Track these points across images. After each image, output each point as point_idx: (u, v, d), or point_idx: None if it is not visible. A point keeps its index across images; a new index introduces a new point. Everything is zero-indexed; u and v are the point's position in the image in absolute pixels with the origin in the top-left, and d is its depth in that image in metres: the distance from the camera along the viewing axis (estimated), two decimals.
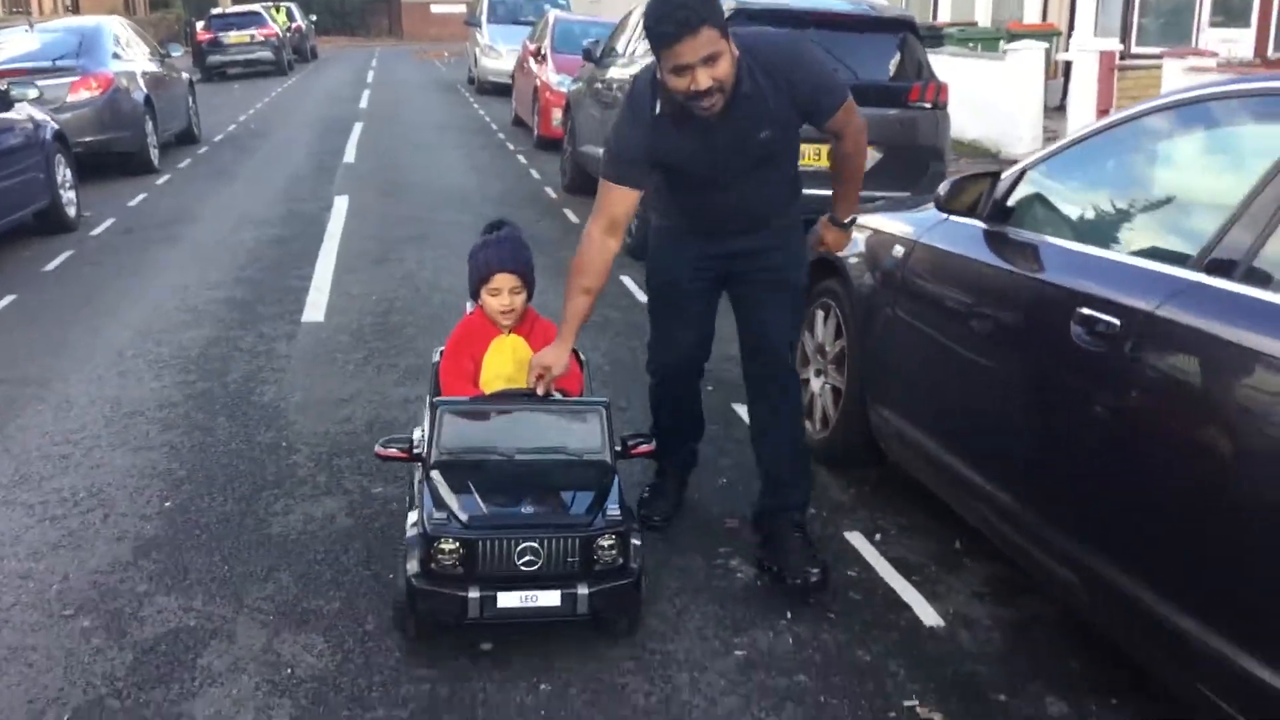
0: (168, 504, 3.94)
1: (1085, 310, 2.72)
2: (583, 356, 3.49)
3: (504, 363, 3.32)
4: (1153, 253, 2.81)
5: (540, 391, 3.16)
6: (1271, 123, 2.77)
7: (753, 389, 3.54)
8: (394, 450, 3.11)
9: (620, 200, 3.20)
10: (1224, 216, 2.57)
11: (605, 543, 2.85)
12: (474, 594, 2.79)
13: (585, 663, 2.98)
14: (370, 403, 4.95)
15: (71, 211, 8.93)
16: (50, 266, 7.65)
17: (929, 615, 3.27)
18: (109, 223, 9.11)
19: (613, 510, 2.90)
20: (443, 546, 2.79)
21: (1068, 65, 13.66)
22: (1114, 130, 3.18)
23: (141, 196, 10.30)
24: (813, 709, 2.84)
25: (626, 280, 6.94)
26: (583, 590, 2.82)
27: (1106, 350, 2.64)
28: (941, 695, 2.90)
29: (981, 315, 3.26)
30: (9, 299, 6.78)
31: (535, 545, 2.80)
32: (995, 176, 3.40)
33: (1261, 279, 2.41)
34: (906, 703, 2.87)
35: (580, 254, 3.23)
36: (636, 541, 2.94)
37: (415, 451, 3.11)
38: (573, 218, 9.04)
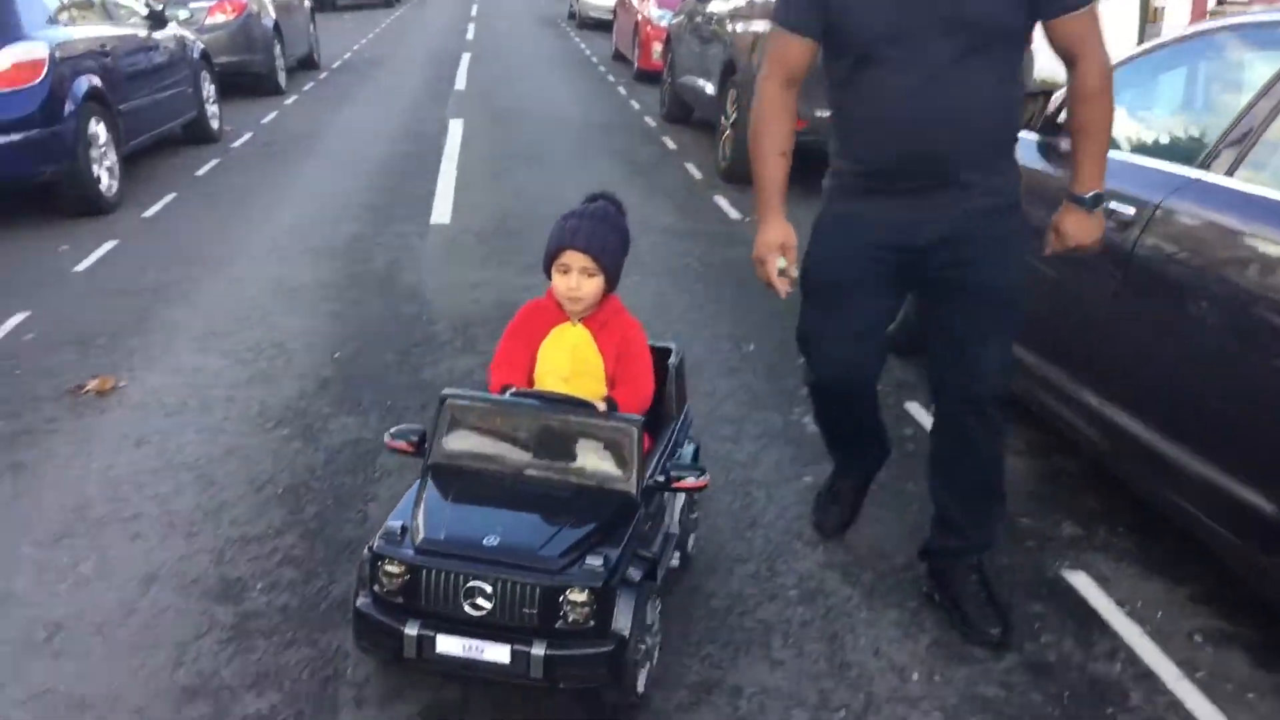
0: (337, 355, 4.75)
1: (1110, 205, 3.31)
2: (676, 355, 3.06)
3: (560, 358, 2.77)
4: (1163, 153, 3.39)
5: (781, 290, 2.68)
6: (1258, 49, 3.35)
7: (944, 416, 2.88)
8: (402, 444, 2.66)
9: (793, 51, 2.65)
10: (1222, 128, 3.16)
11: (575, 597, 2.29)
12: (411, 630, 2.32)
13: None
14: (495, 287, 5.70)
15: (215, 125, 9.82)
16: (201, 171, 8.53)
17: None
18: (247, 136, 10.00)
19: (593, 560, 2.32)
20: (388, 569, 2.36)
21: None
22: (1144, 58, 3.75)
23: (273, 115, 11.18)
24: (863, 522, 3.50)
25: (721, 202, 7.58)
26: (538, 650, 2.29)
27: (1121, 235, 3.23)
28: None
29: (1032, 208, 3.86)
30: (170, 196, 7.67)
31: (485, 586, 2.31)
32: (1048, 95, 3.97)
33: (1245, 177, 2.99)
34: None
35: (760, 115, 2.70)
36: (627, 601, 2.36)
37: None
38: (670, 144, 9.67)
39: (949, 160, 2.56)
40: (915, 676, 2.75)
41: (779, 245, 2.68)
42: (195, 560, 3.18)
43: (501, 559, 2.33)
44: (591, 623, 2.31)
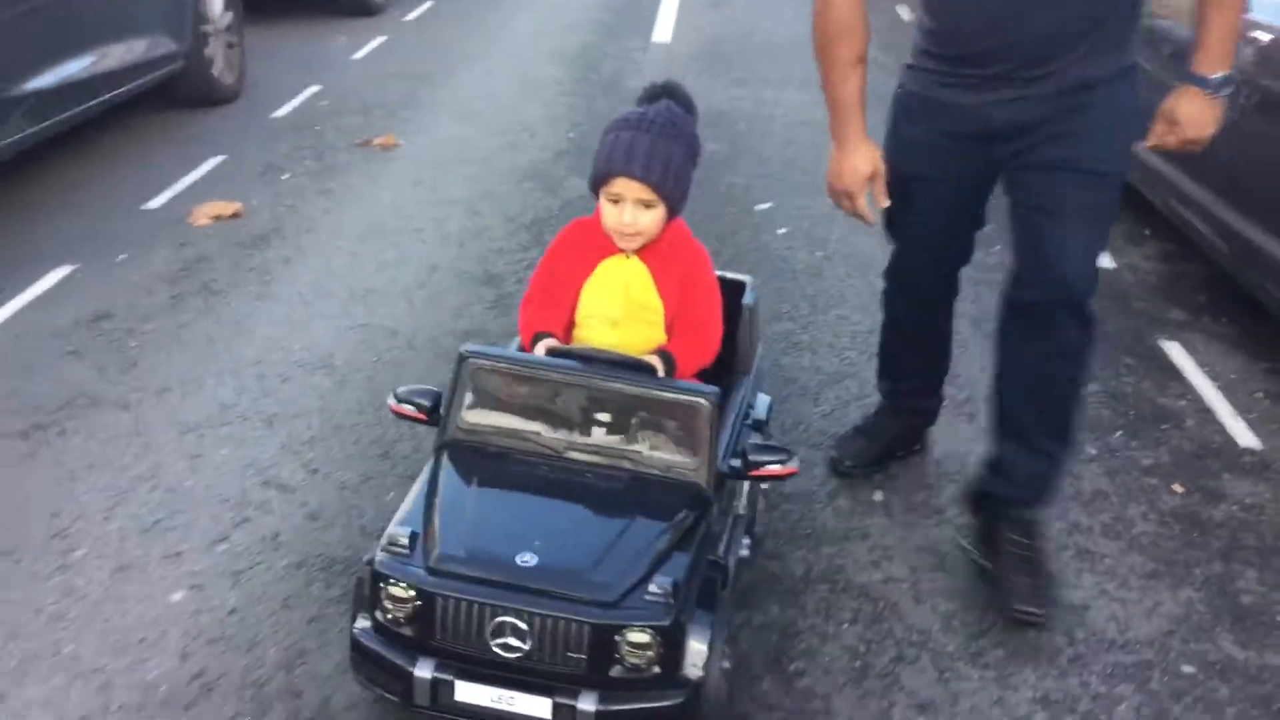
0: (571, 134, 5.69)
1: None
2: (751, 291, 2.56)
3: (609, 298, 2.27)
4: None
5: (869, 220, 2.45)
6: None
7: (1010, 321, 2.49)
8: (409, 409, 2.15)
9: None
10: None
11: (636, 638, 1.79)
12: (424, 672, 1.83)
13: None
14: (705, 96, 6.43)
15: None
16: (410, 17, 9.45)
17: (1106, 261, 4.51)
18: None
19: (658, 587, 1.81)
20: (393, 591, 1.85)
21: None
22: None
23: None
24: None
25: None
26: (587, 704, 1.80)
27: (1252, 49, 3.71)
28: None
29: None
30: (428, 5, 8.69)
31: (519, 623, 1.80)
32: None
33: None
34: None
35: (828, 18, 2.35)
36: (699, 642, 1.83)
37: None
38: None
39: (1040, 43, 2.25)
40: None
41: (867, 175, 2.39)
42: (465, 261, 4.19)
43: (540, 586, 1.80)
44: (656, 668, 1.79)
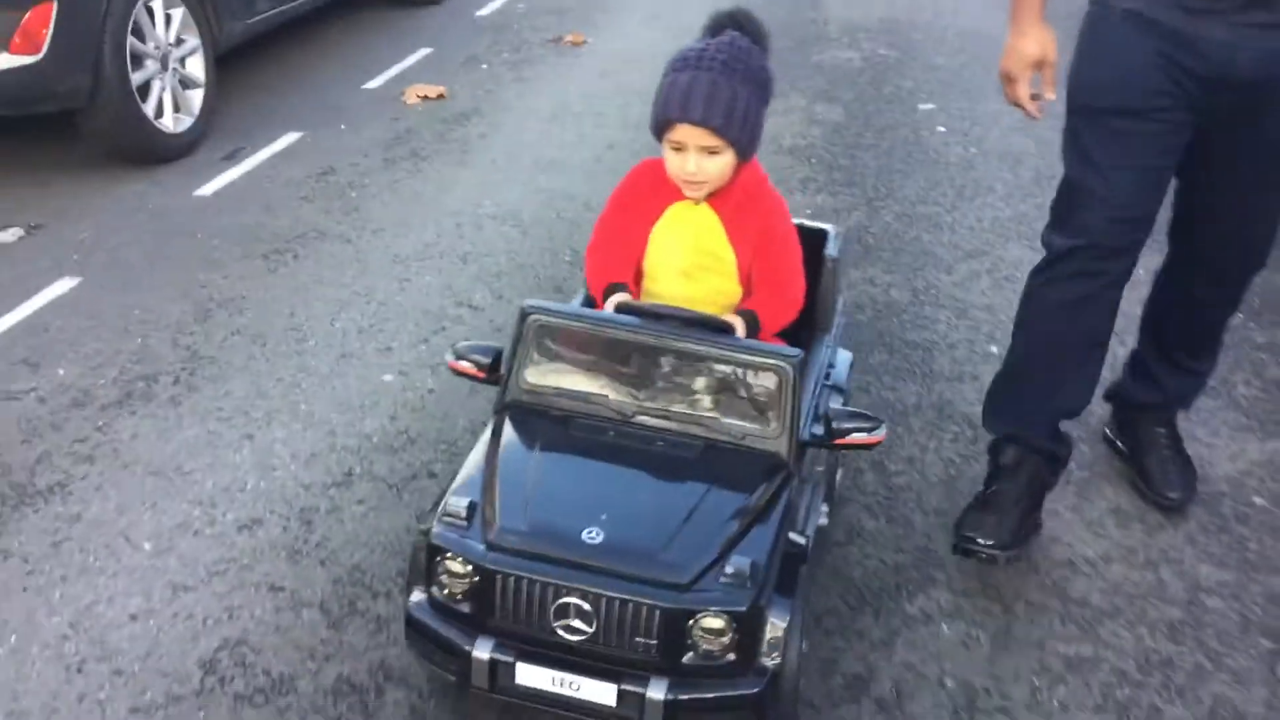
0: None
1: None
2: (835, 241, 2.36)
3: (677, 247, 2.12)
4: None
5: (1033, 112, 2.20)
6: None
7: (1179, 278, 2.44)
8: (469, 366, 2.04)
9: None
10: None
11: (711, 623, 1.67)
12: (483, 653, 1.73)
13: None
14: (891, 3, 6.65)
15: None
16: None
17: None
18: None
19: (736, 567, 1.68)
20: (450, 566, 1.76)
21: None
22: None
23: None
24: None
25: None
26: (656, 692, 1.68)
27: None
28: None
29: None
30: None
31: (584, 605, 1.69)
32: None
33: None
34: None
35: None
36: (780, 617, 1.71)
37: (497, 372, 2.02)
38: None
39: None
40: None
41: (1035, 59, 2.14)
42: (640, 143, 4.60)
43: (608, 565, 1.68)
44: (731, 655, 1.68)
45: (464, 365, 2.04)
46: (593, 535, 1.72)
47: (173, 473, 2.57)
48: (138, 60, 4.05)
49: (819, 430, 1.94)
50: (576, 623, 1.69)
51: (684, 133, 2.01)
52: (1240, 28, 1.96)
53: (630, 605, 1.67)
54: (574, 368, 1.95)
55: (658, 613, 1.66)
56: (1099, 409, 2.73)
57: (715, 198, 2.11)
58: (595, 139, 4.63)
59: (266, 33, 5.12)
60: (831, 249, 2.33)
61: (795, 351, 1.88)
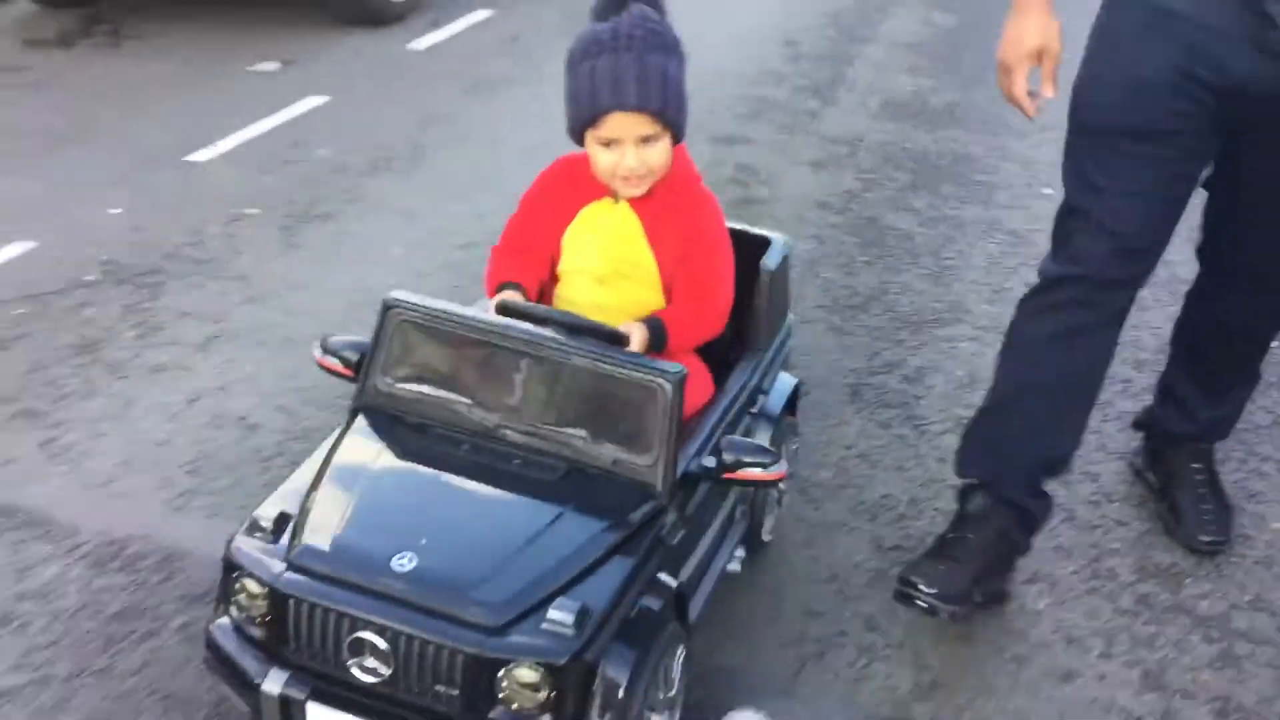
0: None
1: None
2: (778, 251, 2.14)
3: (594, 251, 1.92)
4: None
5: (1029, 110, 1.92)
6: None
7: (1211, 280, 2.25)
8: (335, 362, 1.83)
9: None
10: None
11: (523, 676, 1.46)
12: (272, 686, 1.54)
13: None
14: None
15: None
16: None
17: None
18: None
19: (562, 613, 1.47)
20: (247, 584, 1.57)
21: None
22: None
23: None
24: None
25: None
26: None
27: None
28: None
29: None
30: None
31: (378, 641, 1.49)
32: None
33: None
34: None
35: None
36: (618, 670, 1.50)
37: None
38: None
39: None
40: None
41: (1035, 49, 1.88)
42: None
43: (409, 598, 1.49)
44: (547, 717, 1.48)
45: (330, 361, 1.82)
46: (403, 562, 1.50)
47: (412, 211, 3.54)
48: None
49: (710, 462, 1.71)
50: (372, 662, 1.49)
51: (618, 123, 1.78)
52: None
53: (431, 647, 1.46)
54: (438, 371, 1.75)
55: (460, 658, 1.45)
56: (1132, 438, 2.59)
57: (639, 198, 1.89)
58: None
59: None
60: (770, 260, 2.08)
61: (676, 368, 1.64)
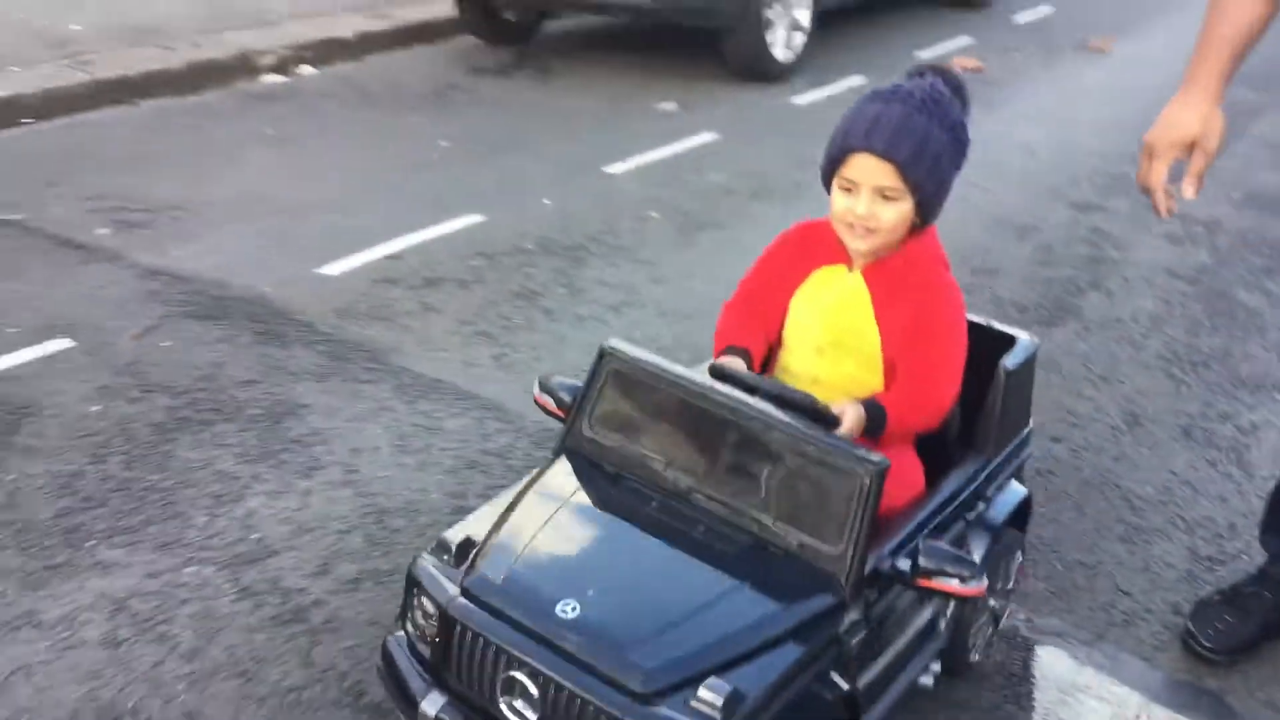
0: None
1: None
2: (1023, 351, 2.02)
3: (817, 318, 1.88)
4: None
5: (1161, 209, 1.82)
6: None
7: None
8: (550, 401, 1.88)
9: None
10: None
11: None
12: (430, 709, 1.58)
13: None
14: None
15: None
16: None
17: None
18: None
19: (712, 692, 1.41)
20: (424, 603, 1.61)
21: None
22: None
23: None
24: None
25: None
26: None
27: None
28: None
29: None
30: None
31: (530, 685, 1.49)
32: None
33: None
34: None
35: None
36: None
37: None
38: None
39: None
40: None
41: (1186, 139, 1.78)
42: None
43: (565, 646, 1.48)
44: None
45: (545, 399, 1.87)
46: (568, 609, 1.49)
47: None
48: (767, 3, 5.71)
49: (905, 565, 1.62)
50: (521, 703, 1.49)
51: (860, 166, 1.74)
52: None
53: (578, 700, 1.44)
54: (642, 425, 1.74)
55: (603, 718, 1.42)
56: None
57: (872, 266, 1.84)
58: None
59: (843, 10, 6.66)
60: (1011, 359, 1.96)
61: (879, 458, 1.56)
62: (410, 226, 3.90)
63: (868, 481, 1.54)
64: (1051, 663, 2.16)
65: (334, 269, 3.59)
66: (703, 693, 1.40)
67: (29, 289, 3.39)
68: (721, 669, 1.44)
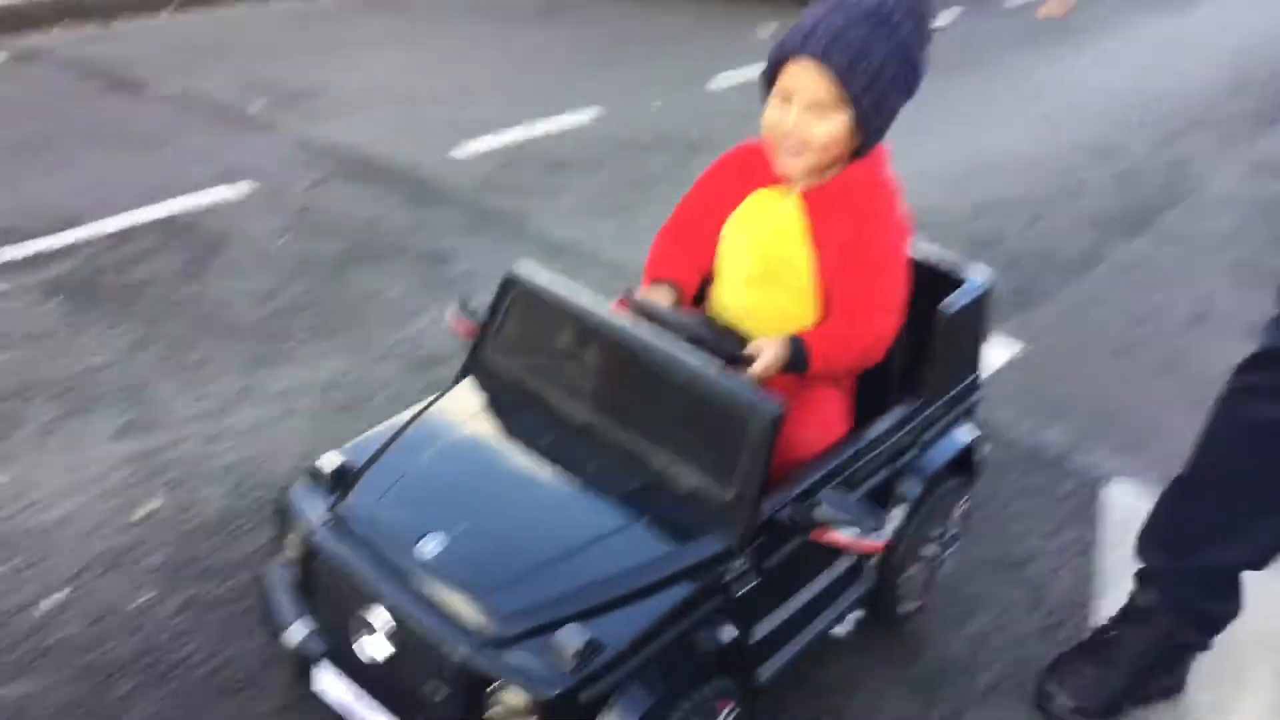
0: None
1: None
2: (974, 288, 1.85)
3: (748, 246, 1.74)
4: None
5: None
6: None
7: None
8: (466, 318, 1.76)
9: None
10: None
11: (510, 700, 1.33)
12: (293, 637, 1.50)
13: None
14: None
15: None
16: None
17: None
18: None
19: (567, 640, 1.31)
20: (290, 530, 1.54)
21: None
22: None
23: None
24: None
25: None
26: None
27: None
28: None
29: None
30: None
31: (388, 621, 1.40)
32: None
33: None
34: None
35: None
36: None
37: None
38: None
39: None
40: None
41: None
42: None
43: (417, 586, 1.40)
44: None
45: (465, 320, 1.76)
46: (431, 544, 1.41)
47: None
48: None
49: (800, 514, 1.50)
50: (378, 639, 1.41)
51: (795, 75, 1.59)
52: None
53: (428, 644, 1.36)
54: (544, 353, 1.65)
55: (450, 663, 1.34)
56: None
57: (811, 190, 1.69)
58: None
59: None
60: (953, 303, 1.79)
61: (775, 401, 1.45)
62: (531, 118, 4.24)
63: (760, 425, 1.43)
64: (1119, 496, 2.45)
65: (462, 152, 3.94)
66: (559, 637, 1.30)
67: (203, 144, 3.81)
68: (588, 614, 1.35)
